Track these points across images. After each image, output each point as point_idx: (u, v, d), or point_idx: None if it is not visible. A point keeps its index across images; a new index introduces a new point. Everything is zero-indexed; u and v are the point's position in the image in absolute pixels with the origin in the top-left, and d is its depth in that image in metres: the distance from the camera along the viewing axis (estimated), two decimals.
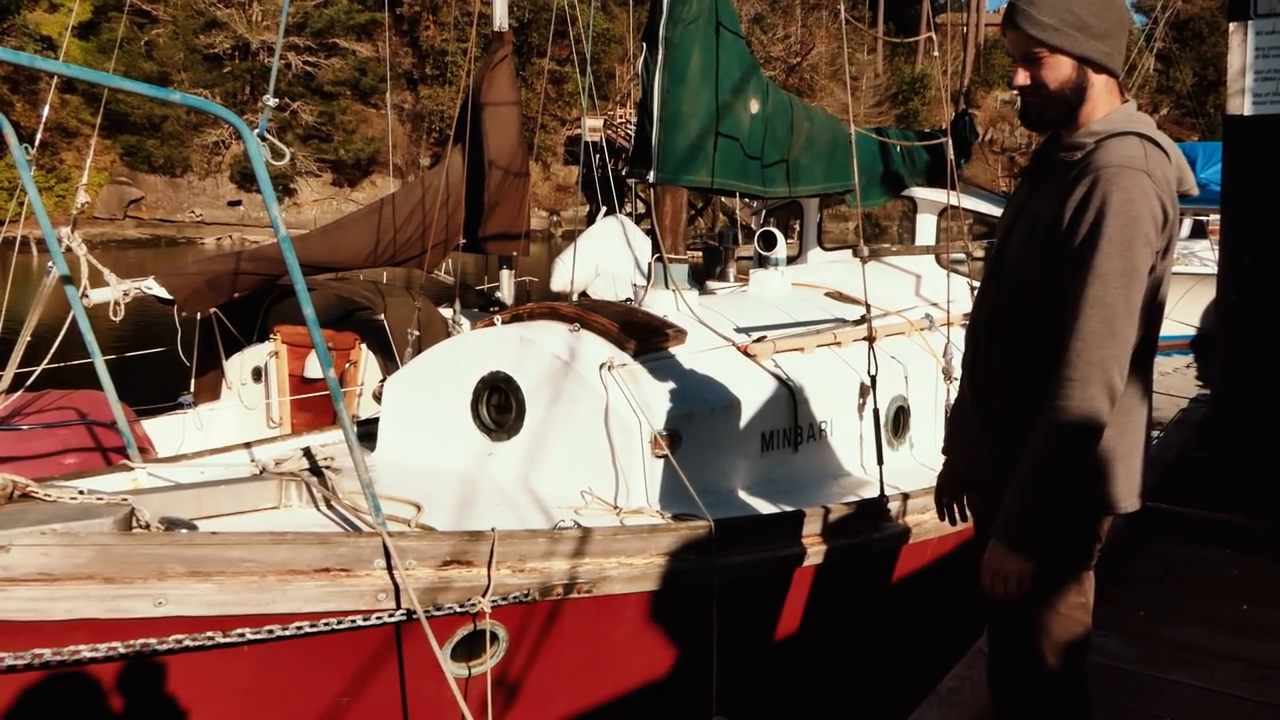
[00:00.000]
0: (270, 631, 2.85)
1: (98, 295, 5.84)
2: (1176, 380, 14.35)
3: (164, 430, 6.57)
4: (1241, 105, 4.76)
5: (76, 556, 2.61)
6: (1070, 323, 2.15)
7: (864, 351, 4.50)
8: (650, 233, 5.46)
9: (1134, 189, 2.15)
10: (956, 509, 2.76)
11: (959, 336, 4.52)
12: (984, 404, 2.43)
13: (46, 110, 6.86)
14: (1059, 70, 2.26)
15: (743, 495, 4.38)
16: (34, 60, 2.66)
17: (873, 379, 4.36)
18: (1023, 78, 2.29)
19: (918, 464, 5.21)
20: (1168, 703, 3.29)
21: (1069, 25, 2.22)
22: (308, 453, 4.47)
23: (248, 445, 4.75)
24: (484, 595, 3.11)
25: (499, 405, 4.36)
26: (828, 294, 6.19)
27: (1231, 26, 4.82)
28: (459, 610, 3.11)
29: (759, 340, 4.90)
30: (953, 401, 2.78)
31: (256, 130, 4.30)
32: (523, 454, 4.24)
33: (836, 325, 5.48)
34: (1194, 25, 54.83)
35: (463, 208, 7.46)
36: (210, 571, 2.76)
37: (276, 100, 5.52)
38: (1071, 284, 2.16)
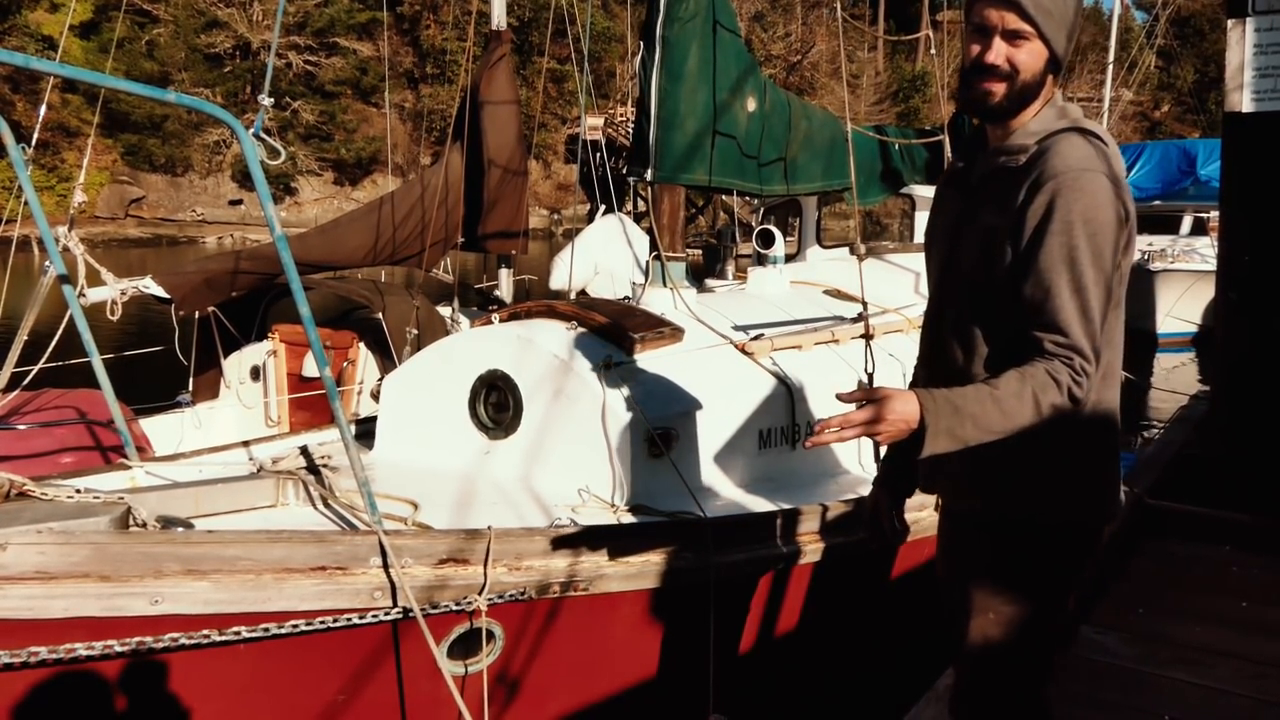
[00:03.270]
0: (266, 630, 2.84)
1: (95, 294, 5.84)
2: (1178, 377, 14.35)
3: (162, 429, 6.56)
4: (1240, 102, 4.75)
5: (73, 555, 2.61)
6: (1057, 330, 2.04)
7: (862, 349, 4.49)
8: (650, 231, 5.45)
9: (1099, 194, 2.04)
10: (892, 524, 2.61)
11: None
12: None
13: (44, 110, 6.86)
14: (1037, 57, 2.12)
15: (740, 493, 4.37)
16: (29, 60, 2.66)
17: (870, 376, 4.35)
18: (1001, 55, 2.11)
19: None
20: (1166, 700, 3.30)
21: (1055, 14, 2.11)
22: (305, 451, 4.47)
23: (245, 444, 4.74)
24: (480, 593, 3.10)
25: (497, 404, 4.36)
26: (826, 292, 6.18)
27: (1230, 23, 4.82)
28: (455, 608, 3.11)
29: (757, 338, 4.89)
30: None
31: (252, 130, 4.30)
32: (520, 452, 4.24)
33: (835, 323, 5.48)
34: (1195, 22, 54.85)
35: (462, 206, 7.46)
36: (206, 570, 2.75)
37: (272, 99, 5.52)
38: (1046, 295, 2.05)
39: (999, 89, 2.13)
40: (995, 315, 2.17)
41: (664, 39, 5.04)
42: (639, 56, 5.18)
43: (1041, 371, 2.01)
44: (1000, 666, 2.30)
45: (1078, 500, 2.22)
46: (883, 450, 2.52)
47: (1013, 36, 2.11)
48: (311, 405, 6.80)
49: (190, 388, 7.27)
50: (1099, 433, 2.22)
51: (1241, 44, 4.74)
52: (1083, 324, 2.03)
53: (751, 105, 5.48)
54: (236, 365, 7.22)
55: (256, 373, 7.17)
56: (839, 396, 2.08)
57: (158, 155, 43.78)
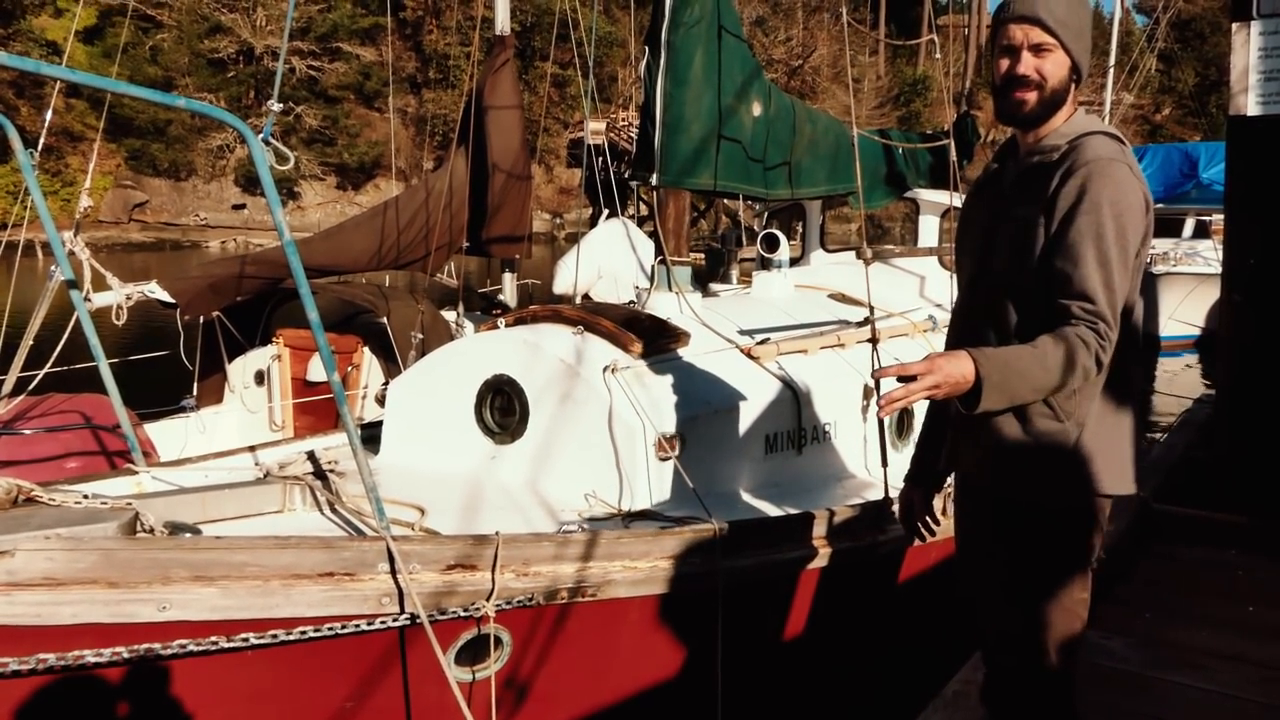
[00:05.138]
0: (274, 636, 2.84)
1: (100, 299, 5.85)
2: (1181, 380, 14.34)
3: (166, 434, 6.57)
4: (1246, 105, 4.75)
5: (80, 561, 2.61)
6: (1085, 298, 2.20)
7: (867, 353, 4.49)
8: (653, 235, 5.45)
9: (1123, 181, 2.23)
10: (925, 520, 2.80)
11: None
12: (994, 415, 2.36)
13: (50, 115, 6.86)
14: (1061, 66, 2.34)
15: (747, 498, 4.37)
16: (39, 66, 2.65)
17: (877, 381, 4.34)
18: (1030, 66, 2.33)
19: None
20: (1173, 705, 3.29)
21: (1072, 26, 2.33)
22: (312, 456, 4.46)
23: (252, 449, 4.74)
24: (488, 599, 3.10)
25: (502, 408, 4.36)
26: (831, 296, 6.18)
27: (1234, 26, 4.81)
28: (463, 614, 3.10)
29: (762, 342, 4.89)
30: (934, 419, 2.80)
31: (261, 135, 4.30)
32: (527, 457, 4.23)
33: (840, 327, 5.47)
34: (1195, 25, 54.89)
35: (466, 210, 7.47)
36: (214, 576, 2.75)
37: (281, 105, 5.52)
38: (1074, 267, 2.21)
39: (1031, 97, 2.35)
40: (1025, 307, 2.31)
41: (669, 44, 5.04)
42: (644, 61, 5.17)
43: (1071, 334, 2.19)
44: (1023, 645, 2.40)
45: (1090, 481, 2.33)
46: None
47: (1038, 49, 2.33)
48: (316, 410, 6.81)
49: (195, 392, 7.27)
50: (1125, 413, 2.36)
51: (1246, 47, 4.73)
52: (1106, 294, 2.20)
53: (756, 109, 5.48)
54: (241, 370, 7.22)
55: (261, 377, 7.17)
56: (875, 373, 2.24)
57: (161, 160, 43.86)
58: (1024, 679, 2.44)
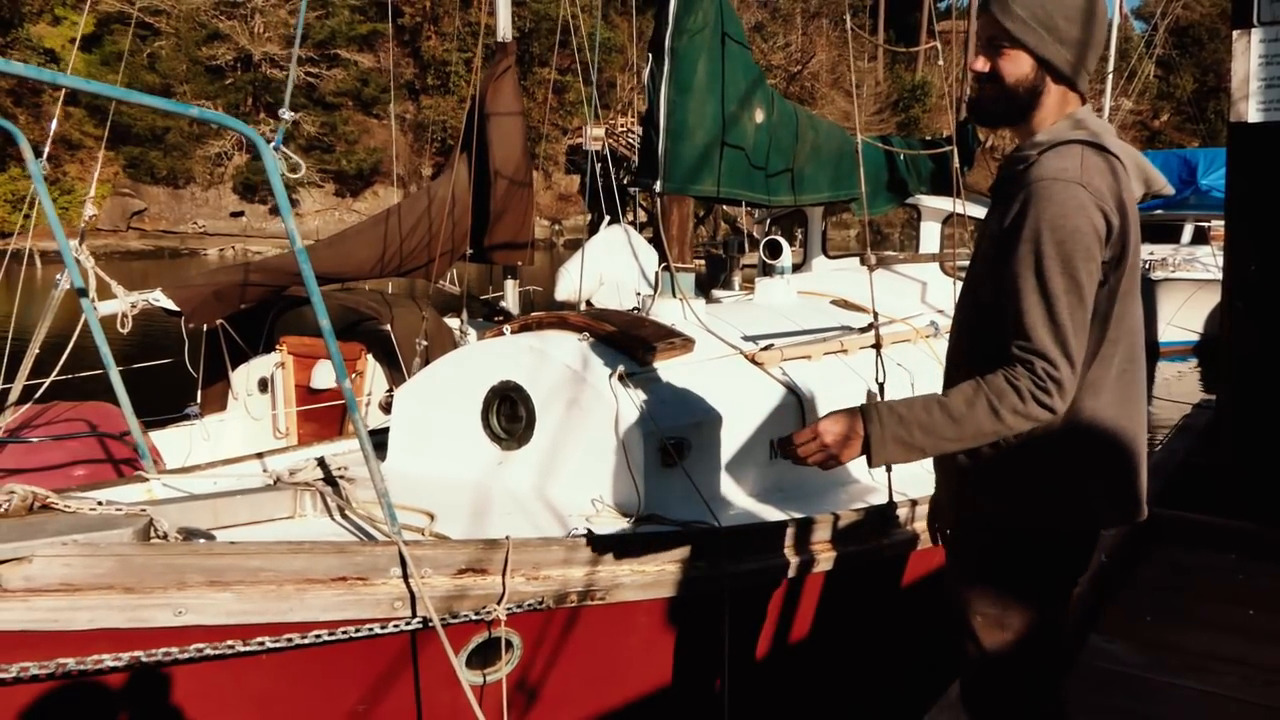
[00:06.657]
0: (289, 640, 2.87)
1: (105, 307, 5.88)
2: (1180, 385, 14.38)
3: (171, 441, 6.59)
4: (1246, 112, 4.79)
5: (97, 567, 2.63)
6: (1022, 336, 2.07)
7: (871, 359, 4.52)
8: (654, 242, 5.47)
9: (1068, 202, 2.05)
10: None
11: None
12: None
13: (55, 124, 6.90)
14: (1018, 65, 2.19)
15: (752, 502, 4.40)
16: (40, 73, 2.66)
17: (880, 386, 4.38)
18: (982, 63, 2.23)
19: (926, 471, 5.22)
20: (1174, 708, 3.31)
21: (1038, 22, 2.16)
22: (322, 463, 4.49)
23: (259, 455, 4.77)
24: (499, 603, 3.13)
25: (509, 414, 4.38)
26: (834, 302, 6.21)
27: (1235, 34, 4.86)
28: (474, 618, 3.13)
29: (766, 348, 4.92)
30: None
31: (273, 144, 4.31)
32: (534, 463, 4.26)
33: (843, 333, 5.50)
34: (1193, 32, 55.05)
35: (469, 217, 7.50)
36: (229, 581, 2.78)
37: (293, 114, 5.56)
38: (1013, 301, 2.08)
39: (987, 93, 2.24)
40: (990, 323, 2.19)
41: (672, 51, 5.07)
42: (647, 68, 5.20)
43: (999, 378, 2.07)
44: (989, 669, 2.35)
45: (1049, 508, 2.22)
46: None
47: (991, 44, 2.22)
48: (319, 417, 6.83)
49: (199, 400, 7.29)
50: (1079, 442, 2.20)
51: (1247, 54, 4.78)
52: (1049, 329, 2.04)
53: (759, 116, 5.51)
54: (244, 377, 7.24)
55: (264, 385, 7.19)
56: (777, 443, 2.28)
57: (159, 167, 43.90)
58: (992, 700, 2.40)
